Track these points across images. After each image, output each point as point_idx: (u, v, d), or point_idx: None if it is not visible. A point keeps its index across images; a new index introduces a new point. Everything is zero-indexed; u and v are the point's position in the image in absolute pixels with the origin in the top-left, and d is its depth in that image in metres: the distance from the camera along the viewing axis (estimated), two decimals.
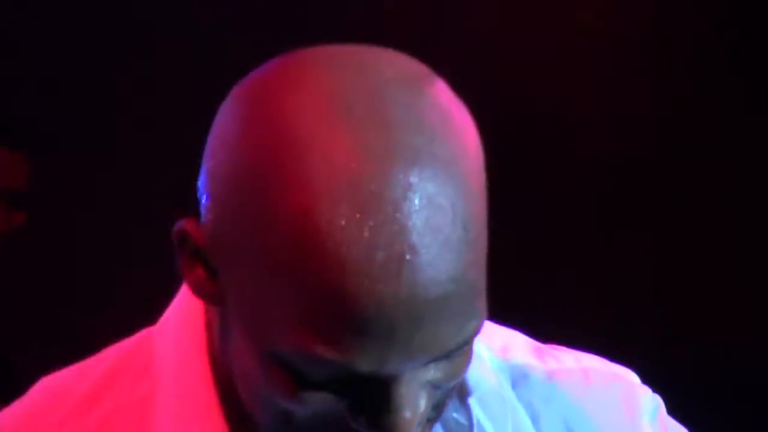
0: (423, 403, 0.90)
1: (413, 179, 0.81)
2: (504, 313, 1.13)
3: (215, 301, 0.97)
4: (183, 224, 0.95)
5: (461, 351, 0.92)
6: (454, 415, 1.09)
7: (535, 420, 1.13)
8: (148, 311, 1.28)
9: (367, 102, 0.85)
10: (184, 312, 1.09)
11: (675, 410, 1.34)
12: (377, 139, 0.83)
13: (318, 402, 0.90)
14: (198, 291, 0.98)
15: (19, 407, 1.11)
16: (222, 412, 1.04)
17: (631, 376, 1.20)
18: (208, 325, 1.05)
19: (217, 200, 0.92)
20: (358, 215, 0.81)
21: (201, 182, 0.95)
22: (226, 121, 0.93)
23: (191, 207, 1.03)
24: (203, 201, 0.94)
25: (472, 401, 1.07)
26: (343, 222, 0.81)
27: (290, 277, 0.84)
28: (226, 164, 0.90)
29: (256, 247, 0.87)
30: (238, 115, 0.91)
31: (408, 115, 0.84)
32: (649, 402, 1.19)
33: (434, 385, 0.92)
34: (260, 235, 0.86)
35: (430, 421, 0.95)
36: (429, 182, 0.82)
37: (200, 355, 1.05)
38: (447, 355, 0.90)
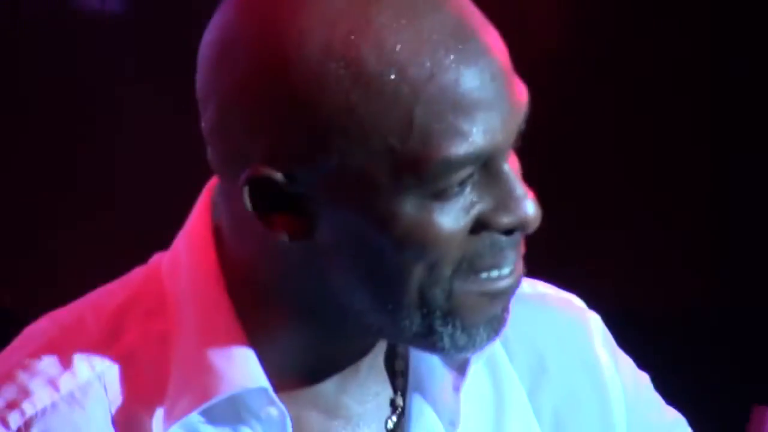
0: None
1: (463, 8, 1.09)
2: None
3: (300, 236, 1.12)
4: (253, 172, 1.09)
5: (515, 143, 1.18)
6: None
7: (504, 342, 1.31)
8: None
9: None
10: (195, 250, 1.22)
11: None
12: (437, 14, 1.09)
13: (455, 222, 1.08)
14: (280, 230, 1.11)
15: (31, 342, 1.23)
16: (247, 341, 1.18)
17: (578, 301, 1.43)
18: (225, 250, 1.20)
19: (276, 126, 1.08)
20: (443, 27, 1.05)
21: (240, 124, 1.09)
22: (247, 33, 1.10)
23: None
24: (255, 140, 1.08)
25: None
26: (440, 40, 1.05)
27: (412, 114, 1.04)
28: (278, 85, 1.06)
29: (364, 128, 1.05)
30: (293, 32, 1.06)
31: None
32: (598, 323, 1.42)
33: None
34: (354, 121, 1.05)
35: None
36: (470, 8, 1.11)
37: (221, 287, 1.19)
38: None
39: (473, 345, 1.18)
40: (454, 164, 1.09)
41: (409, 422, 1.30)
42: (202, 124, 1.18)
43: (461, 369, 1.28)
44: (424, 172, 1.08)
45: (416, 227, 1.10)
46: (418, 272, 1.13)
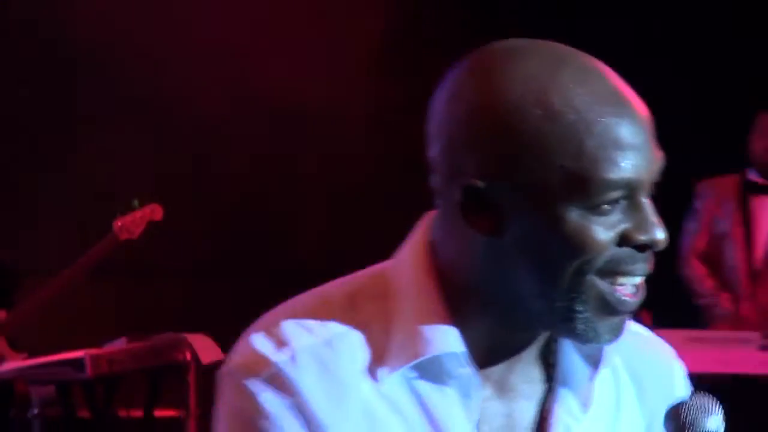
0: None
1: (612, 77, 1.42)
2: None
3: (493, 232, 1.43)
4: (467, 182, 1.41)
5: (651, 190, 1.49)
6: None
7: (623, 358, 1.59)
8: None
9: (567, 56, 1.45)
10: (414, 249, 1.55)
11: None
12: (587, 72, 1.43)
13: (606, 233, 1.40)
14: (482, 230, 1.43)
15: (292, 308, 1.53)
16: (449, 314, 1.49)
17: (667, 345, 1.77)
18: (437, 257, 1.52)
19: (485, 149, 1.40)
20: (605, 93, 1.39)
21: (461, 146, 1.42)
22: (472, 89, 1.43)
23: None
24: (470, 158, 1.40)
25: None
26: (602, 102, 1.38)
27: (583, 146, 1.38)
28: (487, 121, 1.39)
29: (543, 154, 1.39)
30: (486, 81, 1.42)
31: (583, 59, 1.46)
32: (681, 369, 1.69)
33: None
34: (543, 141, 1.38)
35: None
36: (623, 82, 1.43)
37: (431, 278, 1.51)
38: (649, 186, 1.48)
39: (598, 339, 1.50)
40: (608, 185, 1.40)
41: (555, 401, 1.61)
42: (429, 155, 1.54)
43: (595, 365, 1.60)
44: (587, 189, 1.40)
45: (577, 232, 1.42)
46: (572, 267, 1.44)
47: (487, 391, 1.56)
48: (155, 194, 7.20)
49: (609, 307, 1.46)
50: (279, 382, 1.50)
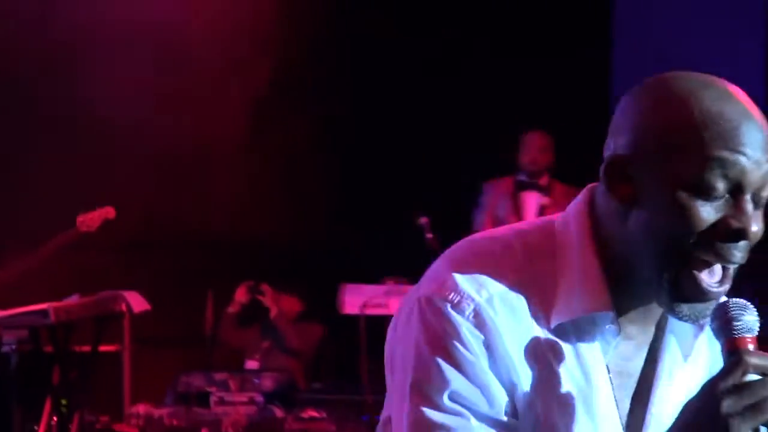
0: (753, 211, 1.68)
1: (748, 104, 1.66)
2: None
3: (629, 201, 1.71)
4: (611, 160, 1.72)
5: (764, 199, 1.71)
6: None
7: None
8: None
9: (721, 88, 1.69)
10: (579, 217, 1.80)
11: None
12: (727, 95, 1.67)
13: (707, 215, 1.64)
14: (622, 198, 1.71)
15: (476, 254, 1.79)
16: (604, 279, 1.74)
17: None
18: (597, 223, 1.78)
19: (636, 135, 1.70)
20: (732, 108, 1.64)
21: (622, 130, 1.73)
22: (643, 98, 1.74)
23: None
24: (623, 135, 1.72)
25: None
26: (726, 112, 1.63)
27: (702, 138, 1.63)
28: (645, 114, 1.71)
29: (672, 144, 1.65)
30: (654, 93, 1.73)
31: (734, 93, 1.69)
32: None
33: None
34: (676, 136, 1.65)
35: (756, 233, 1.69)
36: (751, 103, 1.68)
37: (591, 244, 1.76)
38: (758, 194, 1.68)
39: (688, 319, 1.74)
40: (718, 168, 1.66)
41: (663, 349, 1.89)
42: (607, 147, 1.82)
43: (701, 327, 1.83)
44: (703, 170, 1.65)
45: (682, 208, 1.67)
46: (670, 240, 1.70)
47: (619, 340, 1.83)
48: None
49: (697, 291, 1.70)
50: (478, 319, 1.73)
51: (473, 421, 1.73)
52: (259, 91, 9.43)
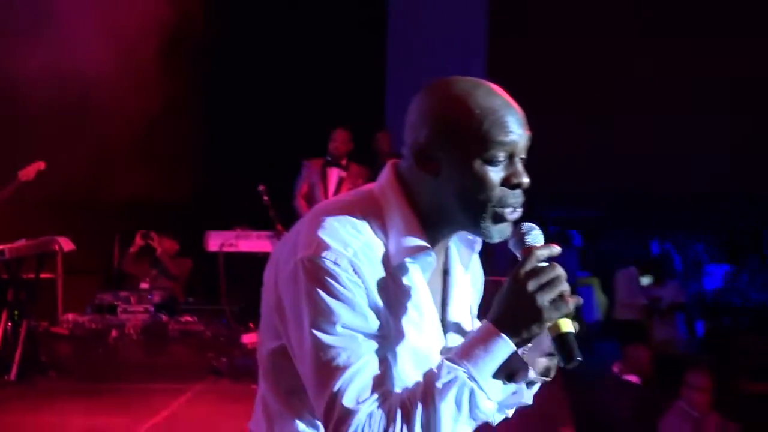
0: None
1: (506, 96, 2.07)
2: None
3: (435, 173, 2.06)
4: (418, 147, 2.07)
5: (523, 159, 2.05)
6: (469, 237, 2.24)
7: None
8: None
9: (487, 88, 2.06)
10: (390, 184, 2.14)
11: None
12: (494, 94, 2.05)
13: (496, 177, 2.03)
14: (429, 172, 2.06)
15: (341, 215, 2.07)
16: (421, 227, 2.09)
17: None
18: (407, 189, 2.12)
19: (436, 130, 2.04)
20: (498, 99, 2.05)
21: (420, 122, 2.08)
22: (437, 106, 2.07)
23: None
24: (423, 128, 2.07)
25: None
26: (496, 102, 2.04)
27: (484, 127, 2.00)
28: (439, 110, 2.05)
29: (464, 130, 2.02)
30: (443, 94, 2.07)
31: (494, 89, 2.06)
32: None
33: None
34: (464, 126, 2.02)
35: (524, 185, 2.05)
36: (507, 95, 2.05)
37: (407, 203, 2.11)
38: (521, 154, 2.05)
39: (492, 238, 2.08)
40: (499, 146, 1.99)
41: (451, 265, 2.25)
42: (405, 137, 2.11)
43: (473, 249, 2.23)
44: (487, 148, 1.98)
45: (480, 175, 2.00)
46: (478, 197, 2.01)
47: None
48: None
49: (503, 218, 2.05)
50: (352, 268, 1.98)
51: (361, 338, 1.97)
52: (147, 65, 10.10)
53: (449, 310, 2.24)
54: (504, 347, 1.95)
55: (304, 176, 9.87)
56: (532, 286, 1.94)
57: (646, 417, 7.30)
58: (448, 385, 1.93)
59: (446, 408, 1.92)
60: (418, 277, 2.10)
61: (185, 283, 10.86)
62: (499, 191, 2.04)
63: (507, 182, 2.04)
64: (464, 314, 2.28)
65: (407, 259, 2.06)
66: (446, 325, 2.22)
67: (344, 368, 1.95)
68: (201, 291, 10.79)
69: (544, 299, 1.94)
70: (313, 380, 1.98)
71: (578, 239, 15.09)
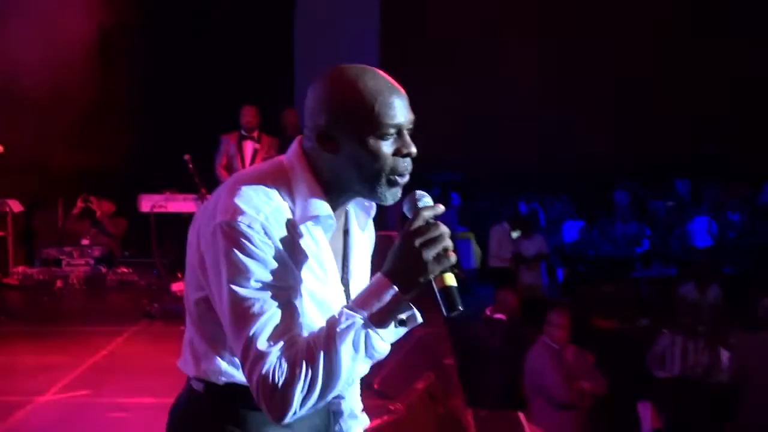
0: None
1: (389, 78, 2.08)
2: None
3: (335, 151, 2.07)
4: (318, 131, 2.08)
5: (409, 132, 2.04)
6: (366, 203, 2.25)
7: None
8: None
9: (373, 73, 2.07)
10: (297, 157, 2.14)
11: None
12: (380, 79, 2.07)
13: (388, 150, 2.07)
14: (330, 150, 2.08)
15: (252, 184, 2.06)
16: (323, 194, 2.11)
17: None
18: (311, 162, 2.13)
19: (333, 114, 2.05)
20: (383, 83, 2.07)
21: (318, 109, 2.09)
22: (332, 94, 2.06)
23: None
24: (321, 115, 2.07)
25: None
26: (382, 86, 2.06)
27: (375, 109, 2.02)
28: (334, 97, 2.06)
29: (359, 115, 2.03)
30: (339, 88, 2.06)
31: (379, 72, 2.07)
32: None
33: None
34: (356, 109, 2.03)
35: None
36: (390, 78, 2.08)
37: (311, 174, 2.12)
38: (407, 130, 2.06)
39: (386, 201, 2.11)
40: (389, 125, 2.01)
41: (350, 227, 2.26)
42: (305, 121, 2.11)
43: (369, 214, 2.25)
44: (379, 127, 2.01)
45: (374, 149, 2.03)
46: (374, 168, 2.03)
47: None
48: None
49: (396, 183, 2.08)
50: (264, 230, 1.97)
51: (271, 291, 1.99)
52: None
53: (350, 265, 2.27)
54: (395, 296, 1.97)
55: (222, 149, 9.89)
56: (418, 242, 1.96)
57: (515, 349, 7.62)
58: (347, 329, 1.95)
59: (345, 349, 1.94)
60: (321, 237, 2.13)
61: (121, 239, 11.13)
62: (391, 161, 2.07)
63: (398, 153, 2.08)
64: (363, 268, 2.31)
65: (311, 222, 2.09)
66: (347, 278, 2.25)
67: (258, 316, 1.96)
68: (135, 246, 11.06)
69: (429, 254, 1.96)
70: (231, 327, 1.99)
71: (457, 199, 15.59)
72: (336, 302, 2.14)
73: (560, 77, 15.61)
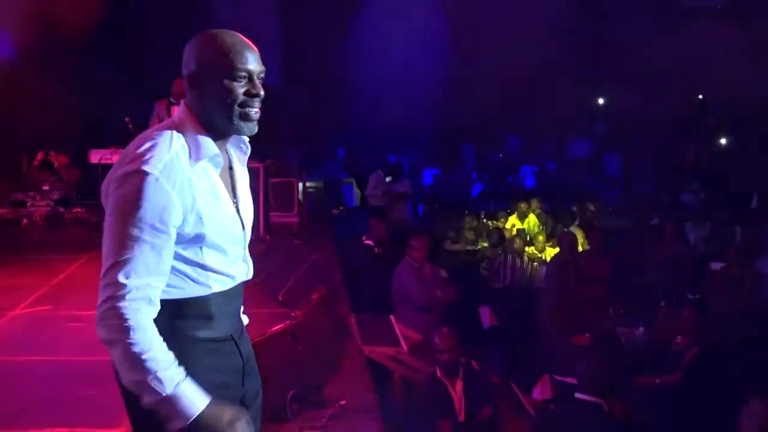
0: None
1: (244, 38, 2.05)
2: None
3: (200, 92, 2.06)
4: (188, 76, 2.06)
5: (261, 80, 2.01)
6: (242, 145, 2.19)
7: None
8: None
9: (234, 36, 2.04)
10: (184, 112, 2.09)
11: None
12: (236, 37, 2.04)
13: (240, 90, 2.03)
14: (196, 91, 2.04)
15: (151, 138, 2.00)
16: (209, 137, 2.05)
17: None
18: (190, 109, 2.07)
19: (200, 62, 2.02)
20: (238, 40, 2.04)
21: (189, 60, 2.05)
22: (200, 46, 2.04)
23: None
24: (191, 63, 2.04)
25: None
26: (236, 41, 2.04)
27: (229, 57, 2.01)
28: (200, 49, 2.03)
29: (218, 62, 2.01)
30: (205, 43, 2.04)
31: (236, 34, 2.04)
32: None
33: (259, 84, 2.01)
34: (217, 58, 2.00)
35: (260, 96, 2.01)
36: (246, 39, 2.04)
37: (195, 121, 2.06)
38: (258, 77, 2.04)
39: (245, 133, 2.07)
40: (240, 68, 1.99)
41: (233, 162, 2.17)
42: (183, 70, 2.04)
43: (245, 152, 2.18)
44: (233, 70, 1.97)
45: (228, 86, 1.99)
46: (228, 104, 2.00)
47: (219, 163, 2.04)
48: None
49: (245, 121, 2.05)
50: (162, 178, 1.90)
51: (152, 234, 1.90)
52: None
53: (238, 193, 2.22)
54: (180, 413, 1.94)
55: (155, 113, 9.16)
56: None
57: (383, 268, 7.55)
58: (165, 379, 1.92)
59: (153, 385, 1.92)
60: (213, 173, 2.10)
61: (75, 185, 10.60)
62: (242, 99, 2.06)
63: (247, 93, 2.07)
64: (247, 195, 2.28)
65: (204, 161, 2.07)
66: (238, 204, 2.22)
67: (128, 250, 1.90)
68: (87, 191, 10.36)
69: None
70: (105, 254, 1.92)
71: (341, 152, 15.60)
72: (233, 225, 2.11)
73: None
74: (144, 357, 1.84)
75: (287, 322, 4.05)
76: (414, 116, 15.03)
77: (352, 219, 11.85)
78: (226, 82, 2.01)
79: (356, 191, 14.04)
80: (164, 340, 1.93)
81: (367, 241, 8.15)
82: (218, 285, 2.09)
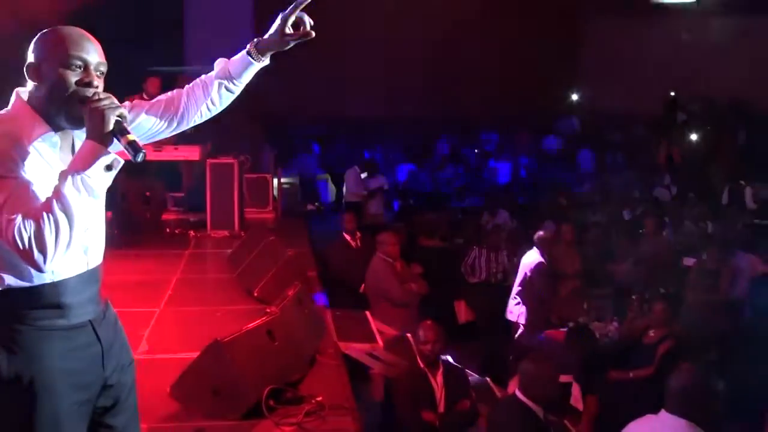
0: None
1: (85, 33, 2.14)
2: None
3: (40, 81, 2.11)
4: (28, 66, 2.11)
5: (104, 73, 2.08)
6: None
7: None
8: None
9: (73, 29, 2.12)
10: (19, 101, 2.15)
11: None
12: (74, 30, 2.12)
13: (73, 78, 2.09)
14: (34, 79, 2.11)
15: None
16: (45, 124, 2.11)
17: None
18: (30, 100, 2.13)
19: (38, 53, 2.10)
20: (77, 32, 2.12)
21: (30, 52, 2.11)
22: (39, 39, 2.10)
23: None
24: (31, 55, 2.10)
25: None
26: (74, 33, 2.12)
27: (65, 44, 2.08)
28: (40, 41, 2.10)
29: (54, 51, 2.08)
30: (44, 35, 2.11)
31: (78, 29, 2.12)
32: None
33: (99, 77, 2.11)
34: (53, 47, 2.09)
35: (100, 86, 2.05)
36: (89, 34, 2.13)
37: (30, 108, 2.12)
38: (102, 70, 2.12)
39: (81, 127, 2.06)
40: (73, 56, 2.04)
41: (76, 148, 2.14)
42: (27, 62, 2.07)
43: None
44: (66, 58, 2.03)
45: (62, 76, 2.05)
46: (61, 91, 2.06)
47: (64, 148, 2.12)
48: None
49: (81, 103, 2.07)
50: (8, 149, 2.00)
51: (13, 181, 2.00)
52: None
53: None
54: (93, 147, 2.04)
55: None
56: (95, 105, 2.07)
57: (357, 263, 7.55)
58: (64, 179, 1.99)
59: (69, 191, 1.98)
60: (47, 151, 2.14)
61: None
62: (74, 87, 2.12)
63: (80, 82, 2.12)
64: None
65: (37, 140, 2.12)
66: None
67: (4, 196, 1.97)
68: None
69: (105, 109, 2.06)
70: None
71: (317, 148, 15.61)
72: None
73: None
74: None
75: (264, 318, 4.01)
76: (390, 109, 15.29)
77: (327, 215, 11.95)
78: (60, 71, 2.08)
79: (331, 187, 14.08)
80: (12, 329, 2.05)
81: (346, 235, 8.17)
82: (64, 270, 2.14)
